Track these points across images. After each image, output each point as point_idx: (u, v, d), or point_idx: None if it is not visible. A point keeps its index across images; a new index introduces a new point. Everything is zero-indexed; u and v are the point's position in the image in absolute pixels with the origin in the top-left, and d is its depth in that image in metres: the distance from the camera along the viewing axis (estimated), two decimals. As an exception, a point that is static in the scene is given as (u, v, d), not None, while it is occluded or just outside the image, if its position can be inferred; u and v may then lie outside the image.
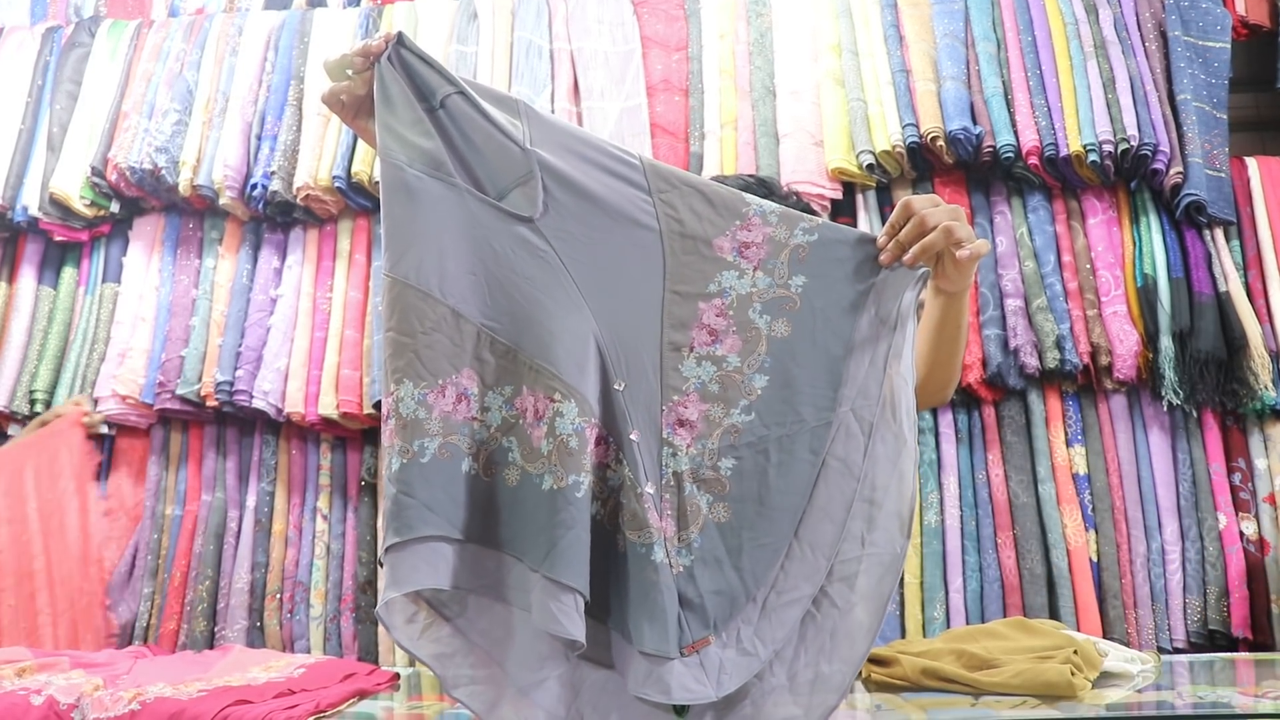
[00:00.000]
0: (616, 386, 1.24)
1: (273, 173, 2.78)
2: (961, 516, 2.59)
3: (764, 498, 1.23)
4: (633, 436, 1.22)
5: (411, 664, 2.53)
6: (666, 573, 1.17)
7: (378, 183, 2.71)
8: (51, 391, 2.82)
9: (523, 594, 1.17)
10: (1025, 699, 1.49)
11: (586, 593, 1.14)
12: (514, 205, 1.26)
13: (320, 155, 2.79)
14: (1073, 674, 1.49)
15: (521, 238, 1.25)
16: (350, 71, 1.30)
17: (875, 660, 1.77)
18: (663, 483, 1.22)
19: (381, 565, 1.13)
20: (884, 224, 2.72)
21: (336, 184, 2.74)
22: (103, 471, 2.85)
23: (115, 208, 2.93)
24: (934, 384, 1.54)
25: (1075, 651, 1.61)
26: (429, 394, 1.19)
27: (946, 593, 2.54)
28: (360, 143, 2.76)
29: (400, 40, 1.28)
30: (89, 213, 2.89)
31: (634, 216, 1.29)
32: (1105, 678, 1.66)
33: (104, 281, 2.94)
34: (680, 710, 1.19)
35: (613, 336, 1.25)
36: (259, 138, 2.86)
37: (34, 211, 2.87)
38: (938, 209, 1.26)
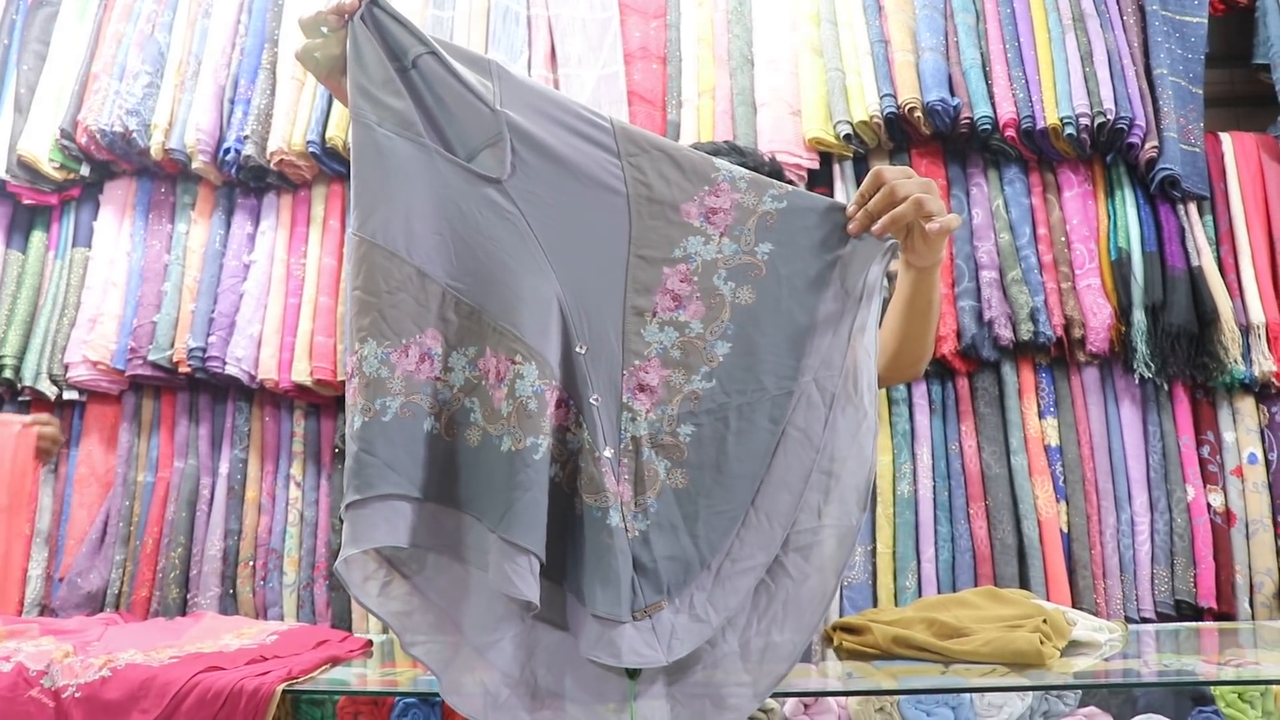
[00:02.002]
0: (578, 349, 1.23)
1: (246, 137, 2.75)
2: (934, 487, 2.61)
3: (722, 465, 1.23)
4: (593, 400, 1.22)
5: (384, 631, 2.53)
6: (622, 537, 1.17)
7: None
8: (20, 357, 2.78)
9: (480, 554, 1.17)
10: (995, 667, 1.50)
11: (542, 555, 1.14)
12: (483, 166, 1.25)
13: (294, 120, 2.75)
14: (1041, 642, 1.51)
15: (489, 199, 1.25)
16: (324, 29, 1.28)
17: (847, 629, 1.78)
18: (621, 447, 1.22)
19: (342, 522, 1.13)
20: (861, 194, 2.72)
21: (311, 149, 2.71)
22: (74, 438, 2.84)
23: (85, 171, 2.88)
24: (906, 359, 1.53)
25: (1044, 621, 1.63)
26: (392, 353, 1.19)
27: (918, 562, 2.56)
28: (335, 107, 2.73)
29: (374, 3, 1.27)
30: (58, 176, 2.85)
31: (601, 180, 1.28)
32: (1074, 646, 1.68)
33: (74, 246, 2.90)
34: (631, 673, 1.20)
35: (576, 299, 1.25)
36: (232, 101, 2.82)
37: (1, 174, 2.83)
38: (909, 180, 1.25)
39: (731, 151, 1.66)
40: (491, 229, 1.24)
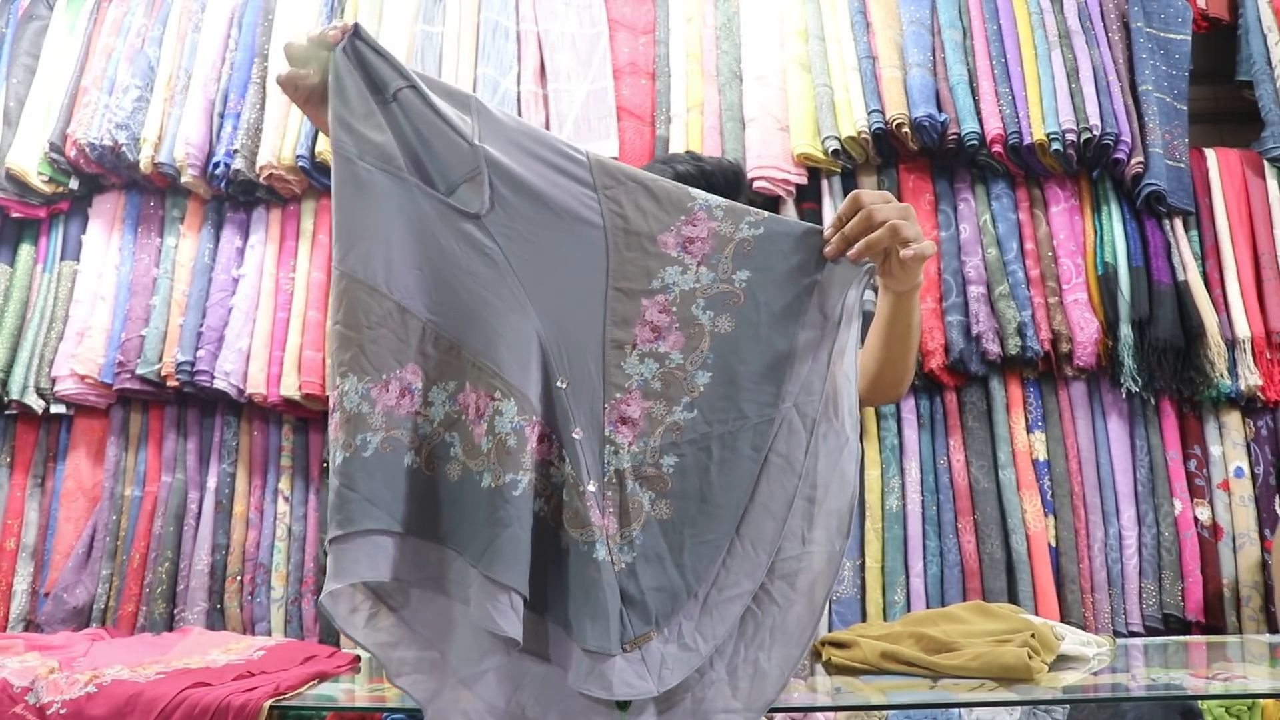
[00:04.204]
0: (559, 384, 1.23)
1: (235, 151, 2.75)
2: (923, 501, 2.62)
3: (706, 494, 1.23)
4: (575, 434, 1.22)
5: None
6: (609, 570, 1.17)
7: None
8: (7, 371, 2.77)
9: (463, 587, 1.17)
10: (983, 682, 1.50)
11: (525, 591, 1.14)
12: (462, 201, 1.25)
13: (284, 134, 2.75)
14: (1030, 657, 1.51)
15: (468, 234, 1.25)
16: (311, 61, 1.28)
17: (835, 644, 1.79)
18: (605, 480, 1.22)
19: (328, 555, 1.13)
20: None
21: (300, 163, 2.71)
22: (60, 452, 2.82)
23: (74, 184, 2.88)
24: (887, 380, 1.54)
25: (1032, 635, 1.63)
26: (373, 388, 1.19)
27: (907, 577, 2.56)
28: (324, 122, 2.73)
29: (356, 31, 1.26)
30: (47, 189, 2.84)
31: (579, 213, 1.28)
32: (1062, 660, 1.68)
33: (63, 259, 2.89)
34: (622, 705, 1.19)
35: (556, 334, 1.25)
36: (222, 115, 2.82)
37: (-10, 187, 2.83)
38: (887, 205, 1.25)
39: (690, 160, 1.68)
40: (471, 264, 1.24)
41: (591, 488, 1.20)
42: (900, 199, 2.75)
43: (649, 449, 1.24)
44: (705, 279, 1.27)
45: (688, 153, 1.76)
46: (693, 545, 1.22)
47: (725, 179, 1.73)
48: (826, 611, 2.53)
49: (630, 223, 1.28)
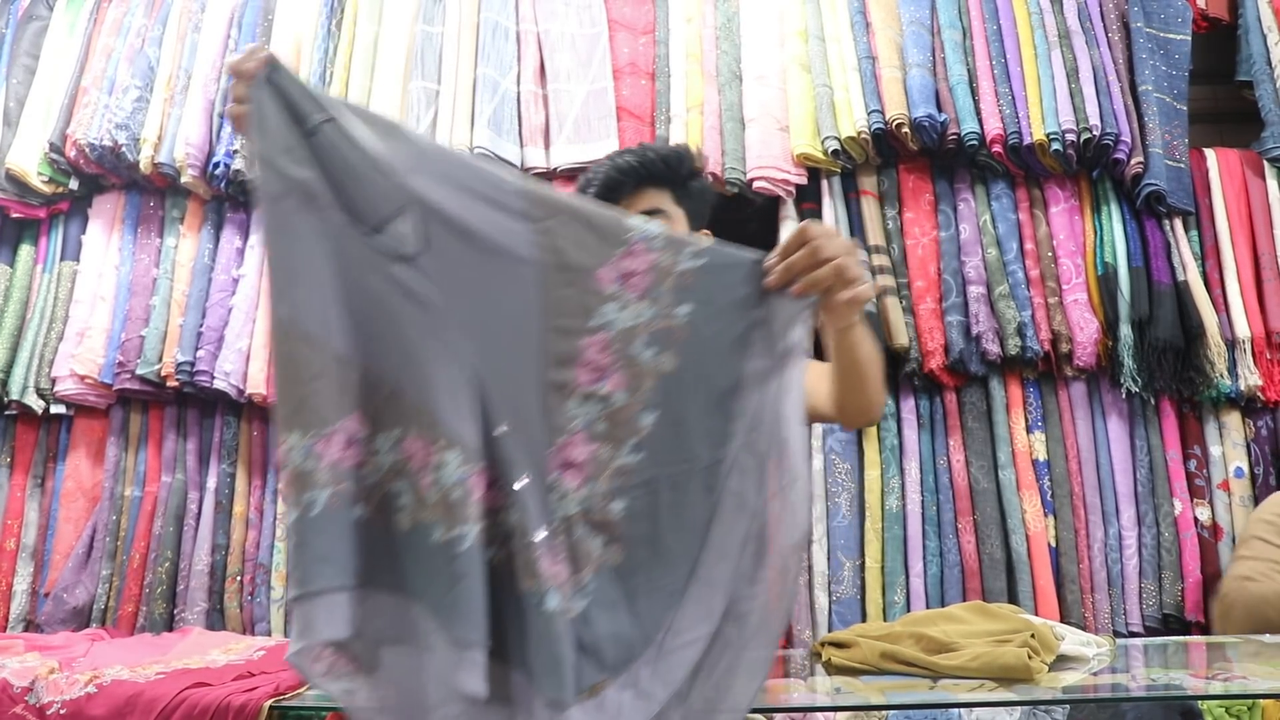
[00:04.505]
0: (500, 431, 1.19)
1: (235, 151, 2.74)
2: (922, 501, 2.62)
3: (658, 539, 1.20)
4: (519, 484, 1.17)
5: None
6: (561, 621, 1.14)
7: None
8: (7, 371, 2.77)
9: (423, 635, 1.13)
10: (983, 682, 1.50)
11: (484, 641, 1.11)
12: (393, 239, 1.20)
13: (284, 134, 2.75)
14: (1030, 657, 1.51)
15: (399, 278, 1.20)
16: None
17: (835, 644, 1.78)
18: (554, 527, 1.18)
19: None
20: (848, 210, 2.75)
21: (300, 163, 2.71)
22: (60, 452, 2.82)
23: (74, 185, 2.88)
24: (851, 410, 1.54)
25: (1032, 635, 1.63)
26: (317, 443, 1.14)
27: (907, 577, 2.56)
28: (324, 122, 2.74)
29: (272, 62, 1.19)
30: (47, 189, 2.85)
31: (512, 249, 1.23)
32: (1062, 661, 1.68)
33: (62, 259, 2.89)
34: None
35: (494, 379, 1.20)
36: (221, 116, 2.82)
37: (-11, 188, 2.83)
38: (834, 241, 1.23)
39: (633, 152, 1.73)
40: (404, 310, 1.19)
41: (539, 536, 1.16)
42: (900, 199, 2.76)
43: (596, 494, 1.20)
44: (645, 315, 1.22)
45: (640, 145, 1.80)
46: (647, 591, 1.19)
47: (668, 164, 1.75)
48: (826, 611, 2.54)
49: (566, 257, 1.23)
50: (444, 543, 1.12)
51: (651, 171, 1.79)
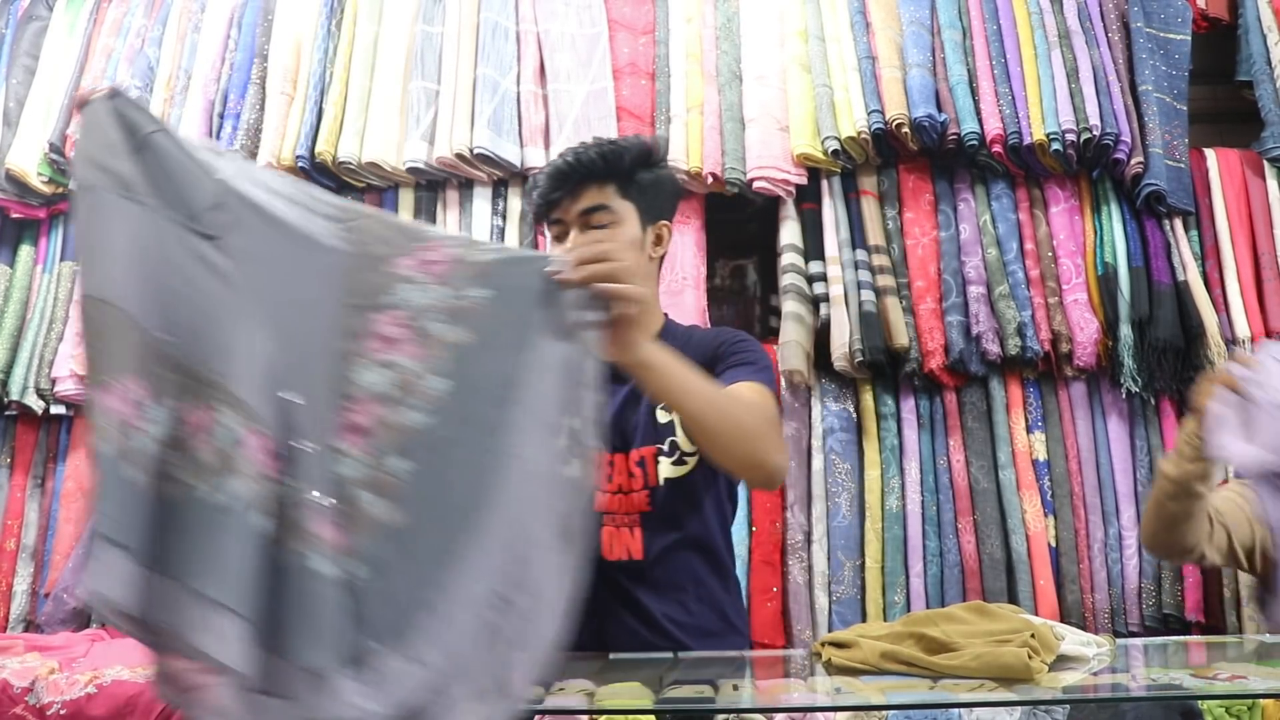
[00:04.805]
0: (287, 397, 1.18)
1: (235, 151, 2.75)
2: (923, 502, 2.62)
3: (439, 500, 1.19)
4: (303, 446, 1.16)
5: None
6: (327, 585, 1.11)
7: (342, 163, 2.69)
8: (7, 371, 2.77)
9: (178, 597, 1.07)
10: (983, 682, 1.50)
11: (244, 610, 1.07)
12: (204, 223, 1.22)
13: (284, 134, 2.76)
14: (1030, 657, 1.51)
15: (203, 254, 1.21)
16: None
17: (835, 644, 1.78)
18: (332, 490, 1.16)
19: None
20: (848, 210, 2.75)
21: (300, 164, 2.71)
22: (60, 452, 2.82)
23: (74, 185, 2.88)
24: (724, 462, 1.65)
25: (1032, 635, 1.63)
26: (99, 394, 1.13)
27: (907, 577, 2.56)
28: (324, 123, 2.74)
29: (115, 91, 1.24)
30: (47, 190, 2.85)
31: (319, 240, 1.28)
32: (1062, 661, 1.68)
33: (62, 259, 2.89)
34: None
35: (286, 349, 1.21)
36: (221, 116, 2.83)
37: (-11, 188, 2.83)
38: (616, 247, 1.38)
39: (588, 144, 1.78)
40: (204, 283, 1.20)
41: (315, 499, 1.14)
42: (900, 199, 2.76)
43: (380, 454, 1.19)
44: (441, 295, 1.27)
45: (595, 138, 1.85)
46: (426, 552, 1.17)
47: (606, 159, 1.79)
48: (826, 611, 2.54)
49: (368, 248, 1.30)
50: (213, 505, 1.09)
51: (590, 169, 1.81)
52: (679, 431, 1.82)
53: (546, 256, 1.33)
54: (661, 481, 1.80)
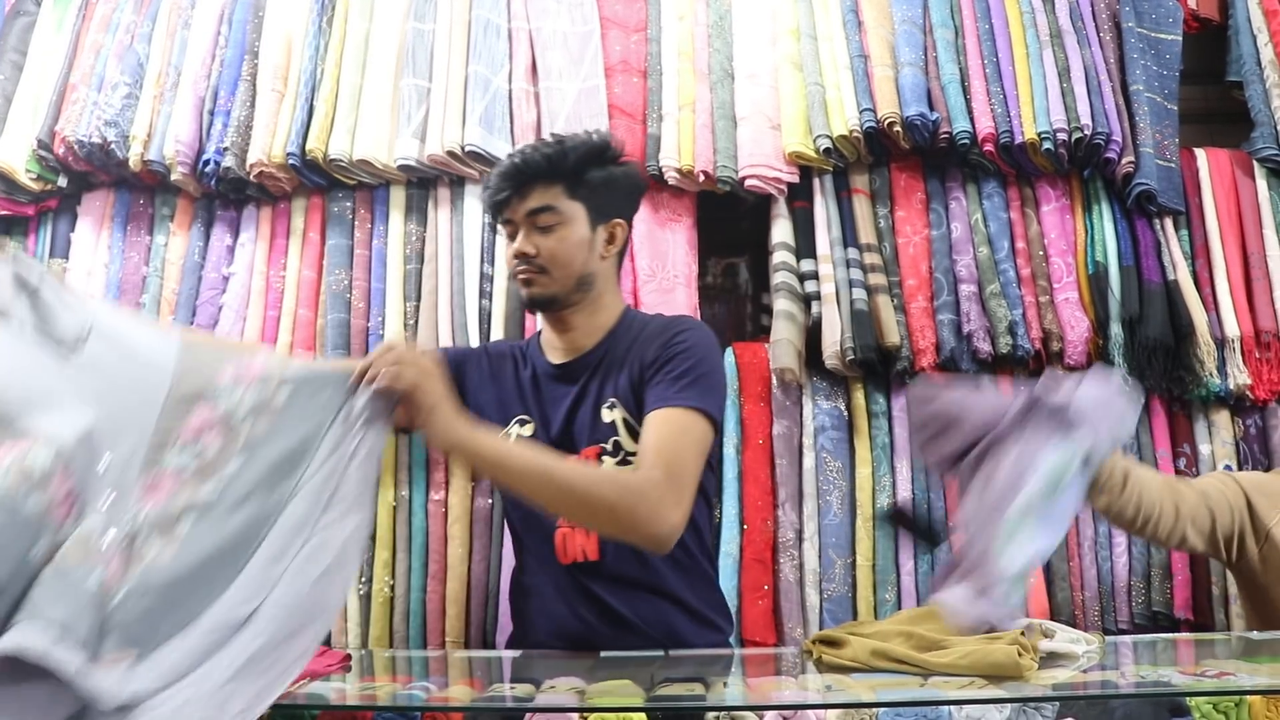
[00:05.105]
0: (100, 462, 1.37)
1: (226, 149, 2.74)
2: (914, 500, 2.62)
3: (212, 547, 1.34)
4: (106, 493, 1.35)
5: (364, 645, 2.52)
6: (92, 597, 1.22)
7: (333, 160, 2.70)
8: (-4, 368, 2.76)
9: None
10: (973, 679, 1.51)
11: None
12: (62, 343, 1.46)
13: (274, 131, 2.75)
14: (1019, 655, 1.51)
15: (53, 351, 1.44)
16: None
17: (826, 641, 1.79)
18: (121, 530, 1.33)
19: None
20: (840, 208, 2.75)
21: (291, 161, 2.71)
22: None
23: (63, 182, 2.86)
24: (604, 530, 1.78)
25: (1022, 632, 1.63)
26: None
27: (898, 575, 2.57)
28: (315, 119, 2.73)
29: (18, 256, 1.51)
30: (35, 187, 2.83)
31: (157, 357, 1.54)
32: (1051, 658, 1.69)
33: (51, 257, 2.87)
34: None
35: (109, 426, 1.40)
36: (212, 113, 2.81)
37: (-23, 185, 2.81)
38: (407, 352, 1.58)
39: (530, 149, 1.86)
40: (44, 373, 1.41)
41: (104, 532, 1.31)
42: (892, 197, 2.77)
43: (170, 512, 1.38)
44: (251, 395, 1.52)
45: (553, 134, 1.94)
46: (190, 586, 1.30)
47: (551, 161, 1.85)
48: (817, 609, 2.54)
49: (198, 362, 1.56)
50: (22, 511, 1.22)
51: (536, 170, 1.84)
52: (621, 431, 1.83)
53: (345, 370, 1.57)
54: None
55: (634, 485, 1.69)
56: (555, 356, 1.97)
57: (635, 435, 1.81)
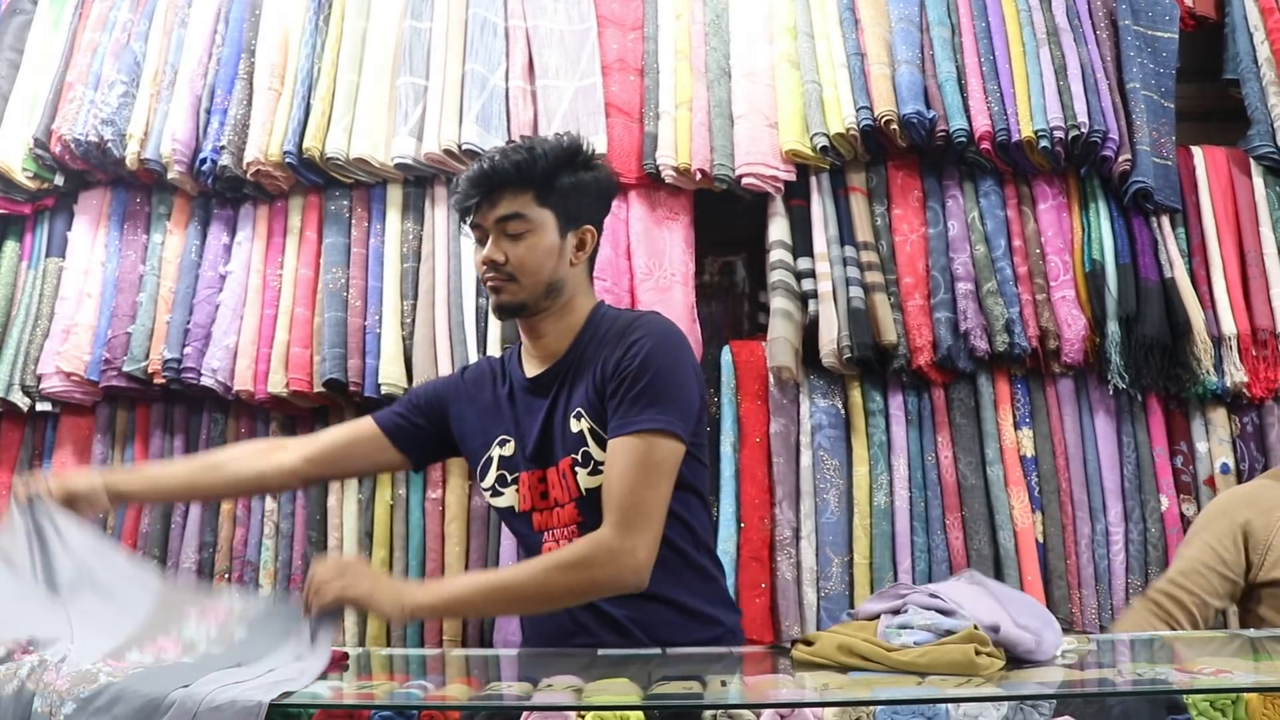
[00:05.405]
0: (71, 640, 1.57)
1: (222, 147, 2.74)
2: (910, 498, 2.62)
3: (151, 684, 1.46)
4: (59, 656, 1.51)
5: (361, 644, 2.52)
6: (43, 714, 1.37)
7: (329, 159, 2.69)
8: (-7, 367, 2.76)
9: None
10: (970, 677, 1.51)
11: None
12: (55, 585, 1.73)
13: (271, 130, 2.75)
14: (976, 654, 1.51)
15: (43, 595, 1.69)
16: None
17: (805, 641, 1.79)
18: (81, 675, 1.45)
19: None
20: (836, 207, 2.75)
21: (287, 159, 2.70)
22: (46, 450, 2.81)
23: (59, 180, 2.86)
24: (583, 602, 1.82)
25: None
26: None
27: (895, 573, 2.57)
28: (312, 118, 2.73)
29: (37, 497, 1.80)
30: (32, 185, 2.83)
31: (137, 590, 1.76)
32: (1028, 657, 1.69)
33: (48, 256, 2.87)
34: None
35: (83, 630, 1.61)
36: (208, 111, 2.81)
37: (-26, 184, 2.81)
38: (336, 568, 1.73)
39: (499, 156, 1.84)
40: (34, 607, 1.65)
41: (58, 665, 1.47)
42: (889, 195, 2.78)
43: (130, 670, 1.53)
44: (211, 629, 1.70)
45: (523, 136, 2.00)
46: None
47: (520, 168, 1.84)
48: (815, 607, 2.55)
49: (173, 598, 1.77)
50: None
51: (505, 177, 1.83)
52: (590, 441, 1.82)
53: (295, 605, 1.73)
54: (584, 491, 1.82)
55: (583, 559, 1.72)
56: (531, 367, 1.96)
57: (602, 444, 1.81)
